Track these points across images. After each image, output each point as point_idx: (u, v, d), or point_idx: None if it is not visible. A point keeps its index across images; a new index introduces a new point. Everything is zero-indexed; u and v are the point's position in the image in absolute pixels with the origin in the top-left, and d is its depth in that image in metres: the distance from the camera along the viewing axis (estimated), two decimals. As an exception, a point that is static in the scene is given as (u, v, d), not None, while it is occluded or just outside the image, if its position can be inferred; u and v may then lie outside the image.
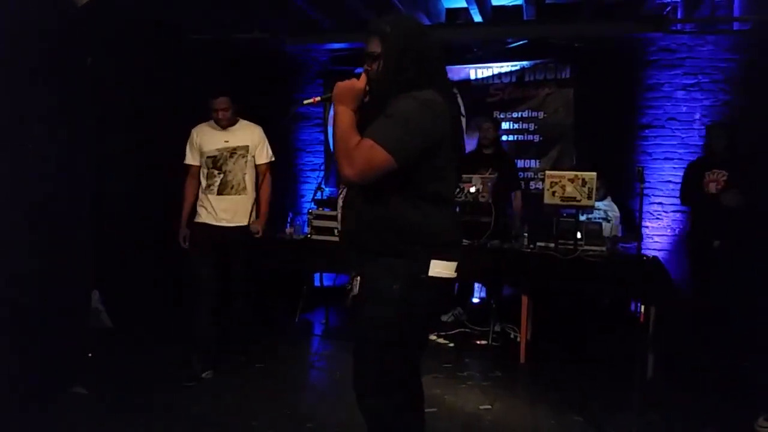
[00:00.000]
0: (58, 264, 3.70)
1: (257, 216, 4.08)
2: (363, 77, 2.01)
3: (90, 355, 3.99)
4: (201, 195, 3.98)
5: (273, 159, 4.13)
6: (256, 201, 4.07)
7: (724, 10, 5.44)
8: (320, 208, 5.10)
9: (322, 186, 5.46)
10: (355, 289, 2.03)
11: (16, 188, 3.43)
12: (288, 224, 5.20)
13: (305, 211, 5.71)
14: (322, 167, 6.89)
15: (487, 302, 5.24)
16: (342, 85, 2.00)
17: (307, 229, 5.07)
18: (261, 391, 3.71)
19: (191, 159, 4.03)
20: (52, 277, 3.64)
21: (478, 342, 4.81)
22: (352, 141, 1.87)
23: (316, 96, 2.16)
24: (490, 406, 3.55)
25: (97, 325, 4.54)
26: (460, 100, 6.25)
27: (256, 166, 4.06)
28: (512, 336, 4.84)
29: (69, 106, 3.81)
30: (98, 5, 3.77)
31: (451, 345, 4.72)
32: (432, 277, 1.92)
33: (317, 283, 5.86)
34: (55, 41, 3.67)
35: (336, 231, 4.72)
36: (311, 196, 5.54)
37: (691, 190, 4.82)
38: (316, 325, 5.33)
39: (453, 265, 1.97)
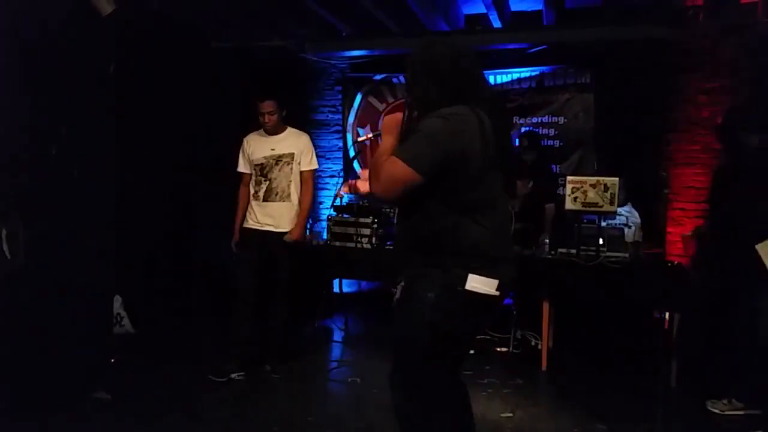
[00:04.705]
0: (80, 269, 3.75)
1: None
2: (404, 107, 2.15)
3: (113, 360, 4.04)
4: (250, 201, 4.07)
5: (316, 167, 4.19)
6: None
7: (747, 12, 5.36)
8: (339, 215, 5.11)
9: (341, 192, 5.47)
10: (398, 294, 2.13)
11: (39, 193, 3.49)
12: (307, 230, 5.21)
13: (324, 217, 5.72)
14: (341, 174, 6.91)
15: (508, 309, 5.21)
16: (387, 118, 2.18)
17: (326, 236, 5.09)
18: (281, 397, 3.72)
19: (243, 167, 4.12)
20: (74, 283, 3.68)
21: (498, 349, 4.77)
22: (381, 159, 1.99)
23: (369, 134, 2.54)
24: (511, 414, 3.52)
25: (119, 331, 4.59)
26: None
27: (300, 173, 4.08)
28: (533, 343, 4.79)
29: (92, 112, 3.87)
30: (122, 14, 3.83)
31: (471, 352, 4.68)
32: (468, 290, 1.95)
33: (336, 290, 5.86)
34: (80, 49, 3.72)
35: (359, 238, 4.81)
36: (330, 202, 5.55)
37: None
38: (336, 332, 5.32)
39: (493, 282, 1.97)
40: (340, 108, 7.03)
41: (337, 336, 5.24)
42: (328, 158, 7.19)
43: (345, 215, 5.09)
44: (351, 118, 6.93)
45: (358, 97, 6.88)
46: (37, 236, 3.40)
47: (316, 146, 7.05)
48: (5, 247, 3.27)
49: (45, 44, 3.45)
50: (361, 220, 4.89)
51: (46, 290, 3.46)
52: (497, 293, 1.99)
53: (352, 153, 6.94)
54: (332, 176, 7.12)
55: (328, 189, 7.10)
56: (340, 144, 7.09)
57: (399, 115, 2.13)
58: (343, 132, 7.02)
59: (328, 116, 7.10)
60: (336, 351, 4.89)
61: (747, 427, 3.36)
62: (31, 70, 3.40)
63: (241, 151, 4.14)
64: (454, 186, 1.96)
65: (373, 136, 2.33)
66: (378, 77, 6.77)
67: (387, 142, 2.08)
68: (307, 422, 3.34)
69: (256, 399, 3.67)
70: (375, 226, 4.85)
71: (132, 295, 4.70)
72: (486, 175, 1.99)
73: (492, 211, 2.02)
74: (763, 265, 3.27)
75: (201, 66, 5.53)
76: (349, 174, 6.82)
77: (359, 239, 4.86)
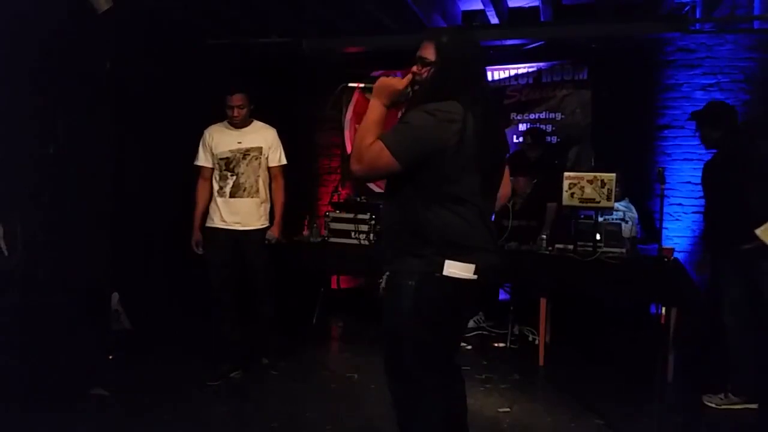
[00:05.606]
0: (78, 266, 3.75)
1: (272, 221, 4.01)
2: (407, 78, 2.13)
3: (110, 357, 4.04)
4: (213, 198, 3.90)
5: (285, 163, 4.03)
6: (271, 205, 4.03)
7: (744, 9, 5.37)
8: (337, 211, 5.11)
9: (339, 189, 5.47)
10: (383, 284, 2.18)
11: (37, 190, 3.49)
12: (305, 227, 5.22)
13: (322, 213, 5.73)
14: (339, 170, 6.90)
15: (505, 304, 5.21)
16: (382, 81, 2.12)
17: (324, 232, 5.09)
18: (280, 393, 3.72)
19: (203, 160, 3.91)
20: (72, 280, 3.69)
21: (496, 344, 4.79)
22: (367, 140, 2.01)
23: (361, 83, 2.31)
24: (509, 409, 3.53)
25: (117, 327, 4.59)
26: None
27: (269, 169, 3.97)
28: (530, 338, 4.81)
29: (89, 110, 3.86)
30: (118, 12, 3.82)
31: (469, 347, 4.70)
32: (446, 276, 2.00)
33: (334, 286, 5.87)
34: (76, 46, 3.72)
35: (354, 233, 4.80)
36: (329, 198, 5.55)
37: None
38: (334, 328, 5.33)
39: (470, 267, 2.01)
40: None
41: (335, 332, 5.24)
42: (326, 155, 7.19)
43: (343, 212, 5.09)
44: (348, 115, 6.93)
45: (355, 94, 6.87)
46: (35, 233, 3.40)
47: (312, 143, 7.15)
48: (2, 245, 3.27)
49: (41, 42, 3.45)
50: (359, 216, 4.90)
51: (44, 287, 3.46)
52: (475, 277, 2.02)
53: (348, 149, 6.94)
54: (329, 173, 7.11)
55: (326, 186, 7.10)
56: (338, 141, 7.08)
57: (395, 82, 2.10)
58: (341, 129, 7.01)
59: (326, 113, 7.09)
60: (334, 347, 4.89)
61: (743, 421, 3.38)
62: (28, 68, 3.39)
63: (201, 143, 3.92)
64: (433, 178, 2.01)
65: (363, 87, 2.25)
66: (375, 74, 6.76)
67: (374, 110, 2.08)
68: (306, 418, 3.35)
69: (254, 396, 3.67)
70: (373, 222, 4.85)
71: (129, 292, 4.69)
72: (465, 172, 2.02)
73: (471, 205, 2.05)
74: (765, 247, 3.28)
75: (198, 63, 5.52)
76: (346, 170, 6.83)
77: (357, 235, 4.86)
